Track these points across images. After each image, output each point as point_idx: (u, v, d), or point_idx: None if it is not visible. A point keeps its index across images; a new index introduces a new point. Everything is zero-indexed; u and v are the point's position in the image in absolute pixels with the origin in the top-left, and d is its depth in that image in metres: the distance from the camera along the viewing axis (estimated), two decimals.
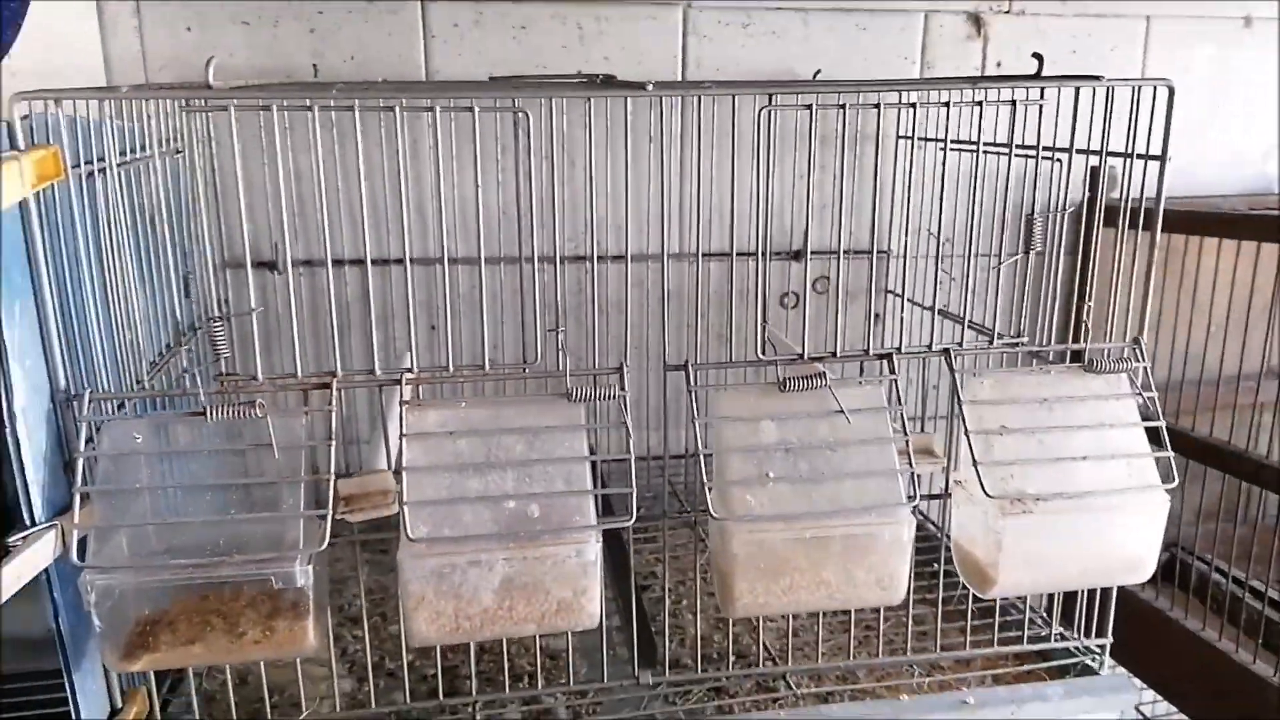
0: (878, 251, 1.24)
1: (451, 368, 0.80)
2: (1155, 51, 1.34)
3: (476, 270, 0.79)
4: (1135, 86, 0.84)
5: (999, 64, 1.29)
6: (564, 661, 0.93)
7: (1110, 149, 0.86)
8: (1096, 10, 1.30)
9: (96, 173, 0.76)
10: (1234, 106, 1.38)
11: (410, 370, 0.79)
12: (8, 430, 0.67)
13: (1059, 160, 0.89)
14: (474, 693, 0.89)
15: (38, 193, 0.70)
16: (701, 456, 0.78)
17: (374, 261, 0.78)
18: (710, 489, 0.77)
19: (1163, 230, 0.86)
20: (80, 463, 0.70)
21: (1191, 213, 1.19)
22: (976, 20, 1.27)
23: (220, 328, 0.75)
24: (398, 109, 0.73)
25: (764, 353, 0.83)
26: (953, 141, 0.82)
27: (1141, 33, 1.33)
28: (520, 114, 0.73)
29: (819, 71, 1.24)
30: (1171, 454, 0.83)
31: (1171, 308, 1.20)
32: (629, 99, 0.79)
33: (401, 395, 0.76)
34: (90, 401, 0.72)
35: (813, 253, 1.25)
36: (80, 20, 1.08)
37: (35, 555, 0.66)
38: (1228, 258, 1.14)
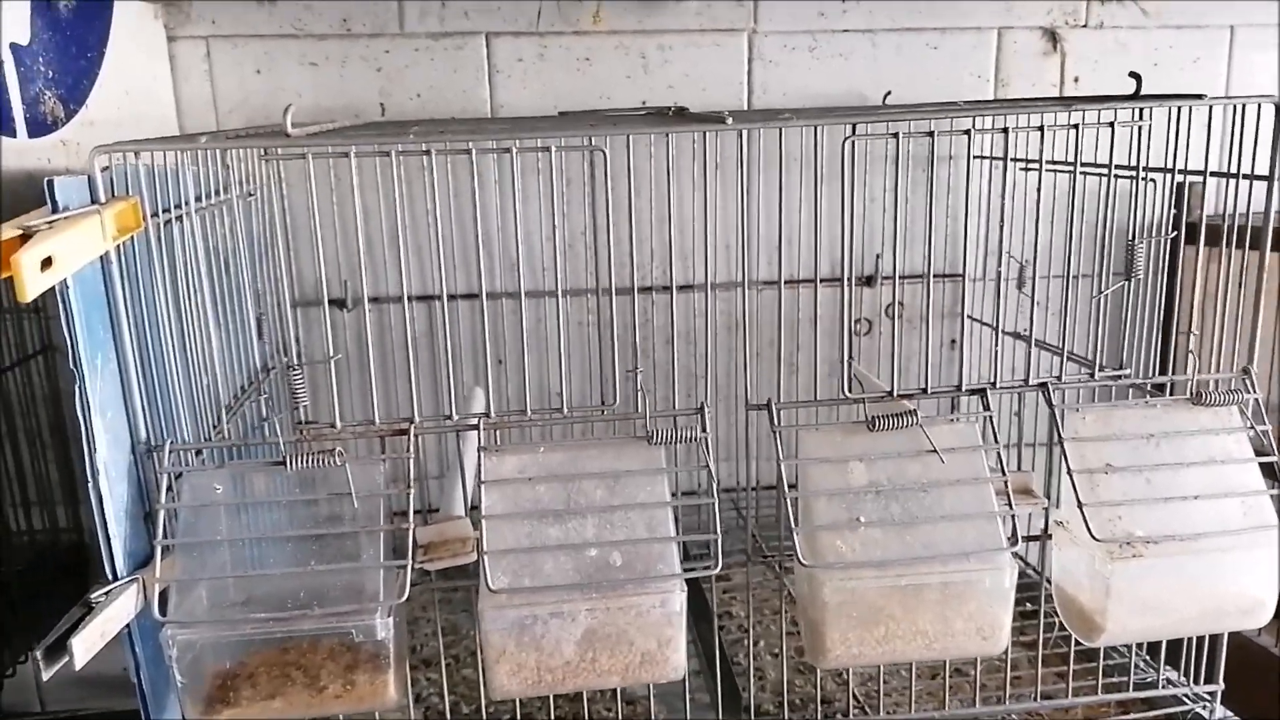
0: (955, 275, 1.20)
1: (528, 410, 0.78)
2: (1239, 63, 1.29)
3: (540, 305, 0.77)
4: (1238, 105, 0.80)
5: (1076, 79, 1.25)
6: (643, 708, 0.90)
7: (1198, 168, 0.82)
8: (1177, 22, 1.25)
9: (174, 220, 0.76)
10: None
11: (487, 414, 0.77)
12: (90, 485, 0.66)
13: (1153, 180, 0.84)
14: None
15: (118, 245, 0.70)
16: (788, 500, 0.75)
17: (439, 298, 0.76)
18: (798, 533, 0.74)
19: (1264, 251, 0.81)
20: (161, 514, 0.70)
21: None
22: (1052, 36, 1.23)
23: (299, 375, 0.74)
24: (473, 152, 0.72)
25: (850, 390, 0.80)
26: (1048, 163, 0.78)
27: (1225, 44, 1.28)
28: (597, 152, 0.72)
29: (889, 94, 1.21)
30: None
31: (1266, 331, 1.15)
32: (705, 133, 0.77)
33: (480, 441, 0.75)
34: (170, 452, 0.71)
35: (885, 278, 1.24)
36: (152, 65, 1.10)
37: (118, 611, 0.66)
38: None
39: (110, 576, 0.68)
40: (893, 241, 0.79)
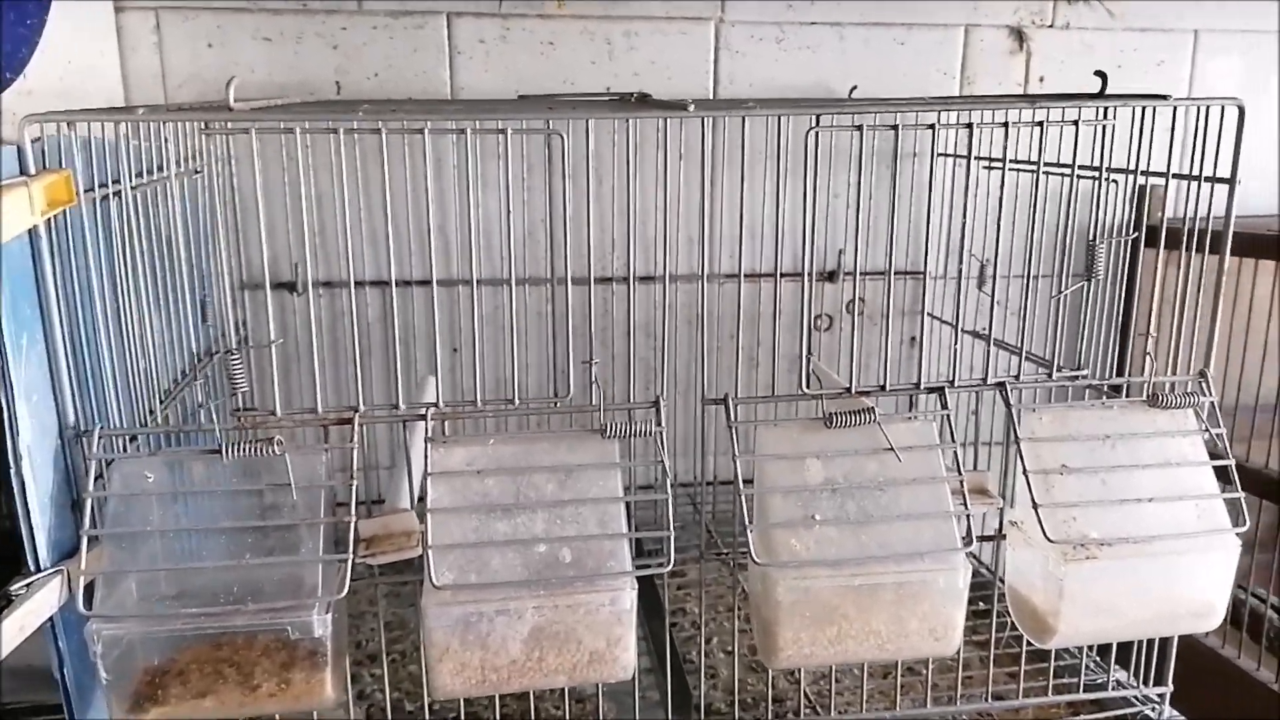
0: (917, 273, 1.20)
1: (479, 401, 0.76)
2: (1202, 66, 1.29)
3: (499, 293, 0.75)
4: (1202, 106, 0.80)
5: (1041, 79, 1.25)
6: (592, 706, 0.88)
7: (1161, 170, 0.81)
8: (1143, 24, 1.25)
9: (111, 196, 0.73)
10: None
11: (435, 404, 0.75)
12: (12, 471, 0.63)
13: (1114, 181, 0.84)
14: None
15: (48, 219, 0.66)
16: (741, 496, 0.73)
17: (396, 283, 0.74)
18: (751, 531, 0.73)
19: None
20: (89, 503, 0.67)
21: (1244, 234, 1.14)
22: (1019, 34, 1.23)
23: (238, 361, 0.71)
24: (426, 131, 0.70)
25: (808, 386, 0.79)
26: (1012, 161, 0.77)
27: (1189, 47, 1.28)
28: (555, 136, 0.70)
29: (855, 88, 1.19)
30: (1243, 495, 0.78)
31: (1224, 333, 1.15)
32: (667, 119, 0.75)
33: (428, 432, 0.72)
34: (100, 438, 0.68)
35: (847, 274, 1.23)
36: (98, 38, 1.06)
37: (39, 604, 0.63)
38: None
39: (33, 567, 0.65)
40: (855, 238, 0.78)
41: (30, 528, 0.64)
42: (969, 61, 1.23)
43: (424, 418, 0.73)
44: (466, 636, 0.68)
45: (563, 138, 0.70)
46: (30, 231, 0.65)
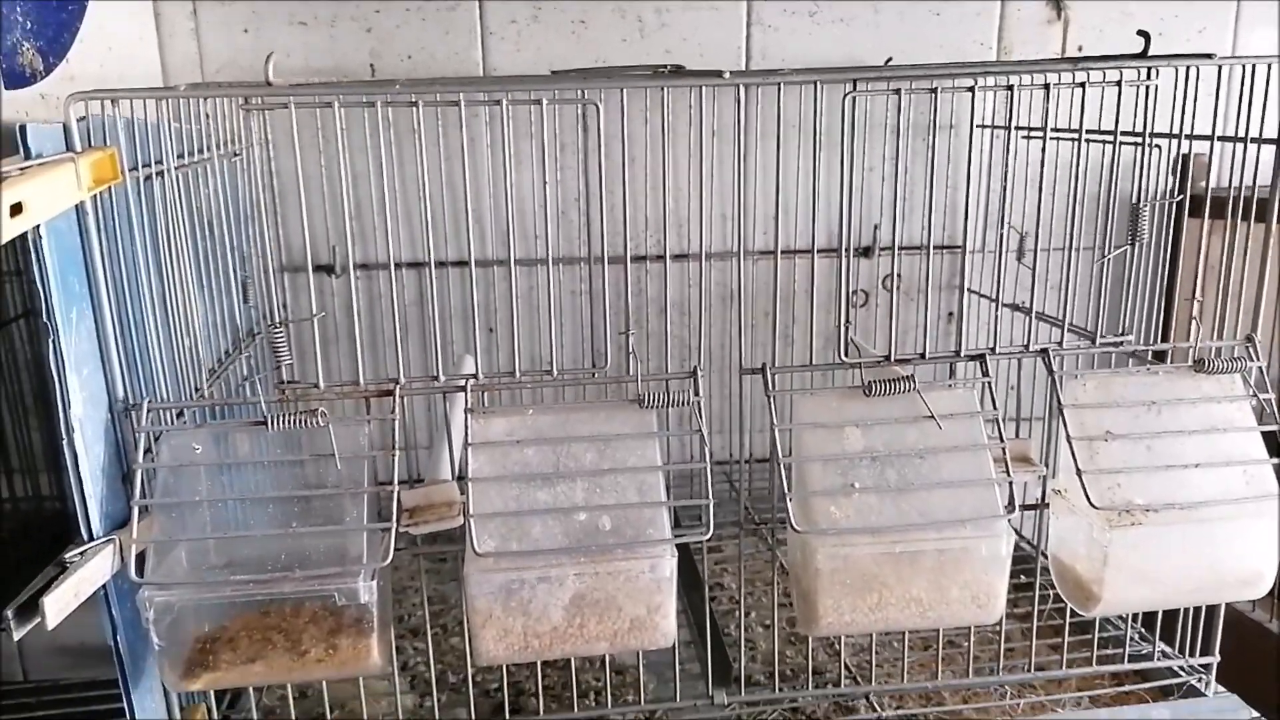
0: (955, 247, 1.19)
1: (517, 373, 0.76)
2: (1244, 33, 1.26)
3: (533, 272, 0.75)
4: (1247, 65, 0.78)
5: (1080, 48, 1.23)
6: (632, 678, 0.89)
7: (1203, 134, 0.80)
8: None
9: (155, 176, 0.74)
10: None
11: (475, 376, 0.75)
12: (64, 443, 0.64)
13: (1158, 147, 0.83)
14: (540, 711, 0.85)
15: (95, 196, 0.68)
16: (781, 465, 0.73)
17: (428, 264, 0.74)
18: (791, 499, 0.73)
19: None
20: (139, 474, 0.68)
21: None
22: (1056, 4, 1.21)
23: (281, 335, 0.72)
24: (462, 104, 0.70)
25: (846, 355, 0.78)
26: (1052, 130, 0.76)
27: (1232, 14, 1.25)
28: (590, 105, 0.70)
29: (890, 60, 1.18)
30: None
31: (1272, 300, 1.13)
32: (703, 88, 0.75)
33: (467, 402, 0.73)
34: (149, 411, 0.69)
35: (883, 249, 1.22)
36: (137, 24, 1.07)
37: (93, 571, 0.64)
38: None
39: (86, 537, 0.66)
40: (892, 212, 0.77)
41: (83, 497, 0.65)
42: (1006, 32, 1.21)
43: (463, 389, 0.74)
44: (509, 603, 0.69)
45: (598, 106, 0.70)
46: (78, 208, 0.67)
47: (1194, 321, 0.81)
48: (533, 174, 1.09)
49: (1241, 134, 0.80)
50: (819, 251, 0.79)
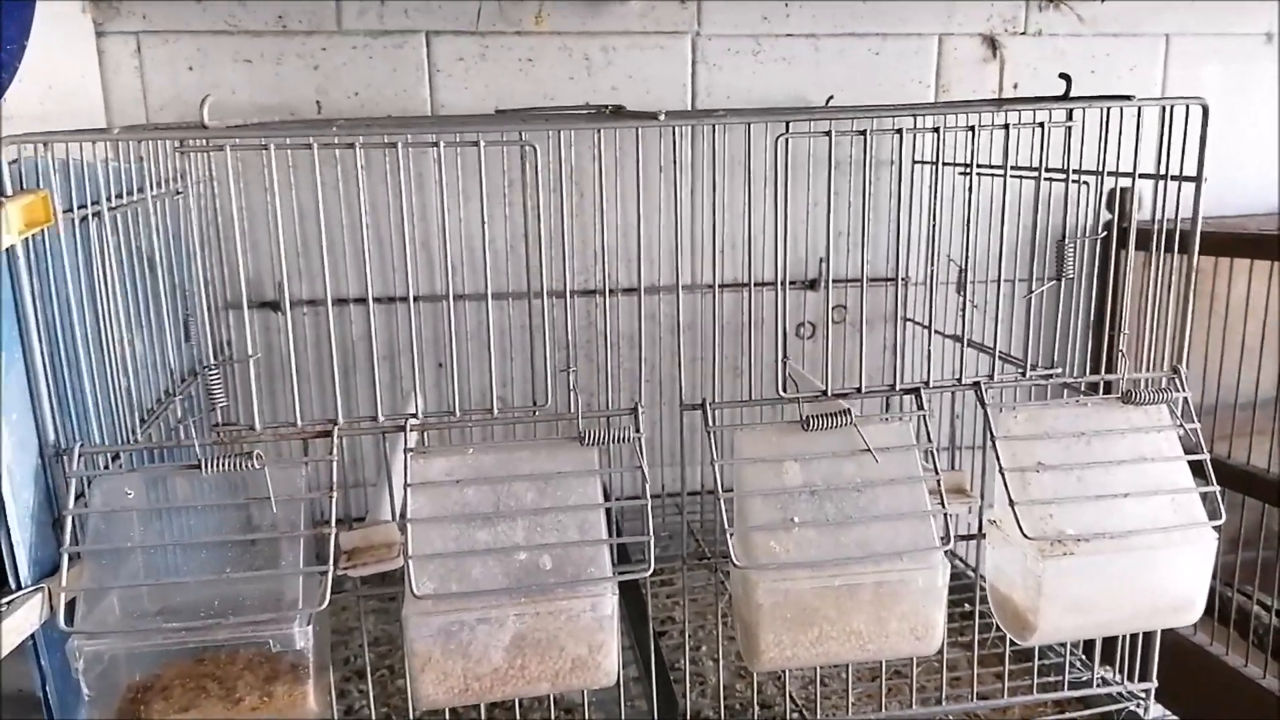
0: (898, 279, 1.21)
1: (458, 411, 0.76)
2: (1175, 70, 1.31)
3: (483, 307, 0.76)
4: (1167, 106, 0.81)
5: (1015, 86, 1.26)
6: (580, 716, 0.88)
7: (1131, 171, 0.82)
8: (1115, 29, 1.27)
9: (90, 216, 0.73)
10: (1257, 125, 1.34)
11: (415, 415, 0.75)
12: None
13: (1085, 183, 0.85)
14: None
15: (26, 239, 0.67)
16: (721, 500, 0.74)
17: (379, 299, 0.74)
18: (731, 534, 0.73)
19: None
20: (69, 520, 0.67)
21: (1222, 234, 1.15)
22: (992, 42, 1.24)
23: (216, 375, 0.72)
24: (400, 145, 0.71)
25: (785, 389, 0.79)
26: (979, 166, 0.78)
27: (1161, 51, 1.30)
28: (527, 147, 0.70)
29: (831, 98, 1.21)
30: (1218, 488, 0.78)
31: (1201, 332, 1.16)
32: (640, 129, 0.76)
33: (406, 443, 0.73)
34: (80, 455, 0.68)
35: (836, 281, 1.24)
36: (79, 62, 1.07)
37: (20, 621, 0.63)
38: (1259, 280, 1.10)
39: (14, 585, 0.65)
40: (832, 246, 0.79)
41: (10, 545, 0.64)
42: (943, 70, 1.24)
43: (403, 429, 0.74)
44: (448, 645, 0.69)
45: (535, 149, 0.71)
46: (7, 252, 0.66)
47: (1121, 354, 0.83)
48: (481, 209, 1.09)
49: (1163, 171, 0.82)
50: (764, 284, 0.81)
